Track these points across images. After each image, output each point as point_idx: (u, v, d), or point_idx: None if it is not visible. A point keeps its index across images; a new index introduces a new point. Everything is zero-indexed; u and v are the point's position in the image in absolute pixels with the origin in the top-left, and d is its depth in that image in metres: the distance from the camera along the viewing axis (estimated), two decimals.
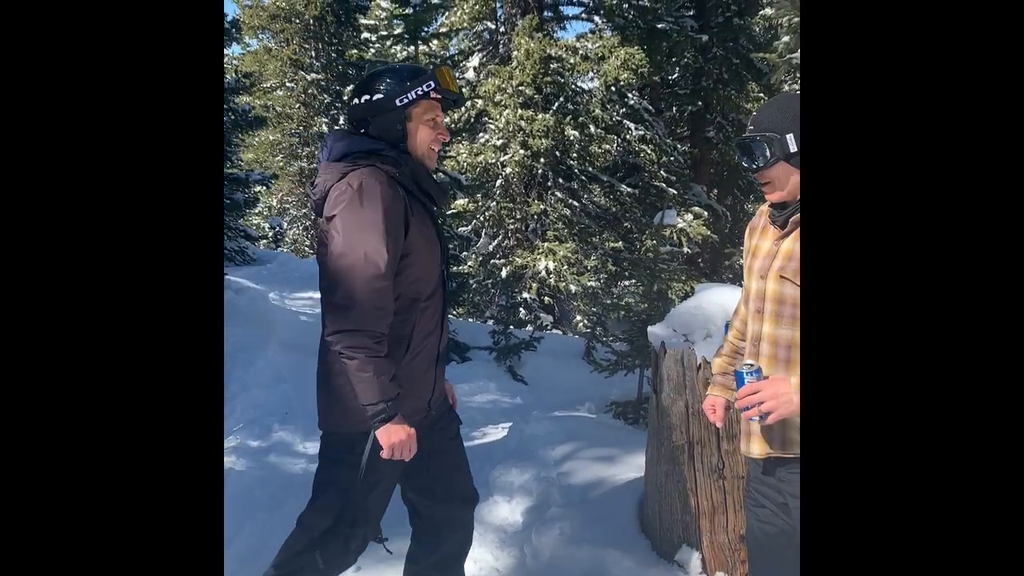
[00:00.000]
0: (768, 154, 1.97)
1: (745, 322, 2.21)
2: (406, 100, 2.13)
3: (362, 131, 2.20)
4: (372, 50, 14.50)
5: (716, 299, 3.32)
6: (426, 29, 8.45)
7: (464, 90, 11.28)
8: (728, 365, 2.37)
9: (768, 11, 5.90)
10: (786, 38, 5.55)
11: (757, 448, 2.15)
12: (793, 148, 1.95)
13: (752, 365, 2.00)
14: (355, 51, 15.86)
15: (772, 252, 2.07)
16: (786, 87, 8.42)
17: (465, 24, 11.72)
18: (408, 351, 2.19)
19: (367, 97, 2.16)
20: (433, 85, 2.14)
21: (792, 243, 2.02)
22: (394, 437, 2.08)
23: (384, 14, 13.48)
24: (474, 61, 11.73)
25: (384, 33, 11.71)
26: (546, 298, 11.20)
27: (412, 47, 8.07)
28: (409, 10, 7.93)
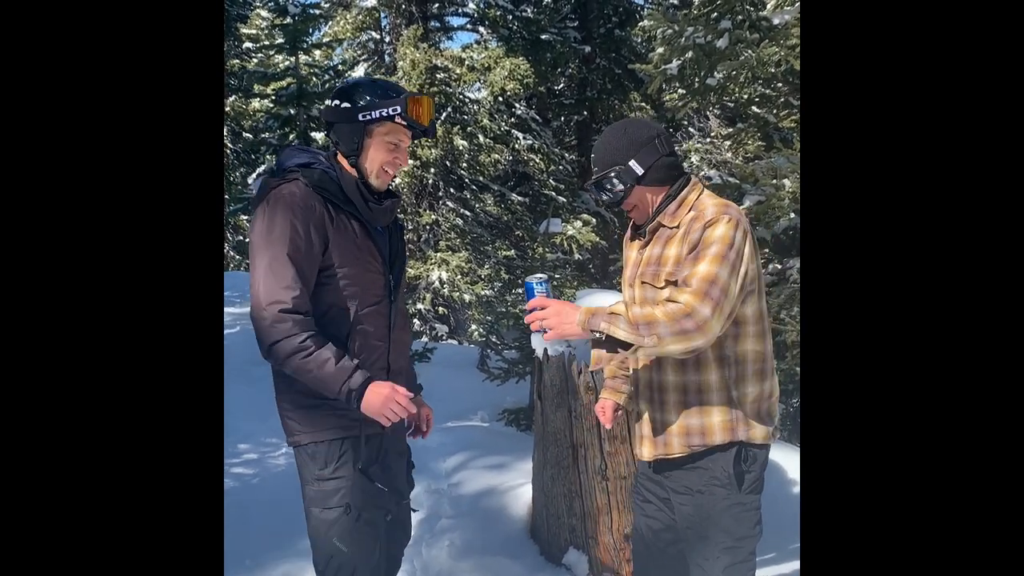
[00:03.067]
0: (623, 185, 2.09)
1: None
2: (367, 117, 2.11)
3: (327, 133, 2.21)
4: (254, 60, 14.12)
5: (596, 304, 3.39)
6: (308, 39, 8.27)
7: None
8: (617, 369, 2.43)
9: (646, 23, 6.07)
10: (660, 49, 5.72)
11: (647, 451, 2.21)
12: (640, 171, 2.07)
13: (541, 277, 2.05)
14: (237, 61, 15.40)
15: (637, 260, 2.17)
16: (666, 97, 8.73)
17: (349, 34, 11.61)
18: None
19: (337, 103, 2.15)
20: (398, 110, 2.10)
21: (651, 249, 2.11)
22: (374, 406, 2.05)
23: (265, 24, 13.17)
24: (359, 71, 11.62)
25: (266, 43, 11.43)
26: (440, 308, 11.17)
27: (293, 57, 7.89)
28: (288, 20, 7.76)
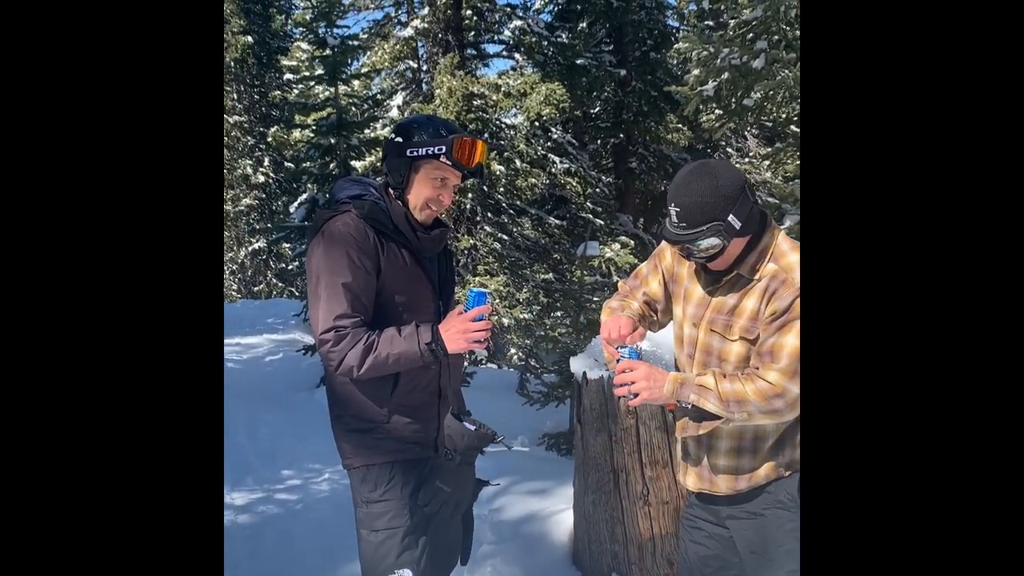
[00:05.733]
0: (723, 242, 1.94)
1: (640, 287, 2.31)
2: (414, 154, 2.17)
3: (381, 164, 2.30)
4: (295, 91, 14.43)
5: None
6: (346, 70, 8.44)
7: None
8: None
9: (681, 45, 6.09)
10: (696, 71, 5.72)
11: (692, 483, 2.22)
12: (738, 225, 1.93)
13: (484, 290, 2.13)
14: (278, 92, 15.77)
15: (705, 302, 2.10)
16: (703, 118, 8.67)
17: (387, 64, 11.79)
18: (397, 386, 2.21)
19: (393, 136, 2.24)
20: (443, 150, 2.15)
21: (723, 297, 2.05)
22: (459, 344, 2.12)
23: (305, 56, 13.47)
24: (397, 100, 11.79)
25: (306, 74, 11.68)
26: None
27: (333, 87, 8.05)
28: (328, 52, 7.93)
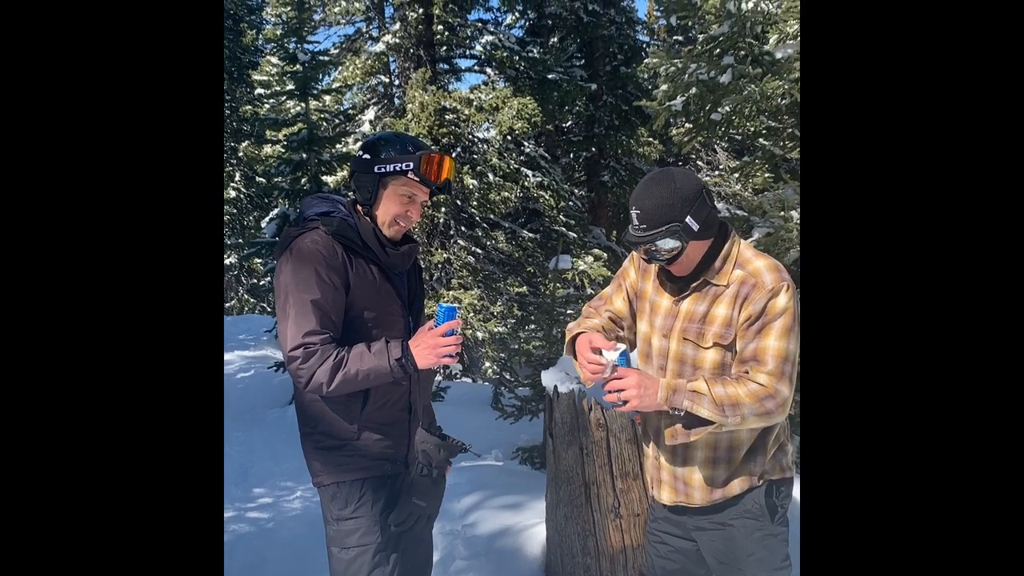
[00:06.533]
0: (679, 243, 1.99)
1: (603, 306, 2.32)
2: (382, 170, 2.18)
3: (348, 180, 2.31)
4: (266, 106, 14.37)
5: None
6: (317, 85, 8.43)
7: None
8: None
9: (650, 60, 6.16)
10: (664, 86, 5.79)
11: (667, 496, 2.21)
12: (696, 227, 1.98)
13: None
14: (249, 107, 15.69)
15: (673, 312, 2.12)
16: (673, 131, 8.74)
17: (358, 79, 11.80)
18: (367, 403, 2.20)
19: (359, 153, 2.24)
20: (412, 166, 2.17)
21: (692, 304, 2.07)
22: (428, 359, 2.11)
23: (276, 70, 13.43)
24: (369, 114, 11.80)
25: (277, 89, 11.65)
26: None
27: (304, 103, 8.03)
28: (298, 67, 7.91)
